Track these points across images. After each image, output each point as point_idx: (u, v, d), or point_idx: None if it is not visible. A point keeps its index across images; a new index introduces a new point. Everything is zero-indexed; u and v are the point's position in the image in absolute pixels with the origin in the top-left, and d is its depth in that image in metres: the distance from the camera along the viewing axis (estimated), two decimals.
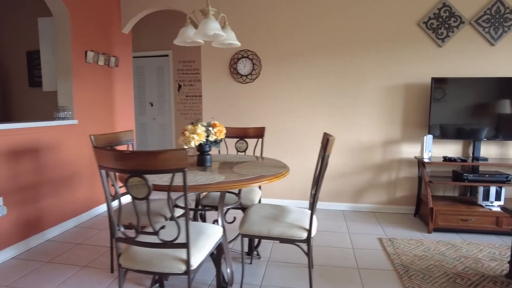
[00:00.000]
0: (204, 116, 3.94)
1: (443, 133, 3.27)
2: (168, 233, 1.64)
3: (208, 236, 1.67)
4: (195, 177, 1.80)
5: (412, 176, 3.56)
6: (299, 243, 1.88)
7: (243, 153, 2.94)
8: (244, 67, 3.75)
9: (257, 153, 3.75)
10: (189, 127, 2.07)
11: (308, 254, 1.89)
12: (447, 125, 3.25)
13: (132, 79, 4.34)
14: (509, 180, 3.02)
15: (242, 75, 3.76)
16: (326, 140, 1.89)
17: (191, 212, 2.42)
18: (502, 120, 3.16)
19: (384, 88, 3.51)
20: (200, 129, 2.05)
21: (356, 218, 3.44)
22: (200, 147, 2.16)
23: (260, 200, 2.69)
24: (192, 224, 1.78)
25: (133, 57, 5.76)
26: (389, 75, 3.48)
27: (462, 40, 3.31)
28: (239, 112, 3.85)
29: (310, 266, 1.91)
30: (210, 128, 2.11)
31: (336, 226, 3.22)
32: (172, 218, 1.79)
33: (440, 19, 3.31)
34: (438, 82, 3.21)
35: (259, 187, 2.85)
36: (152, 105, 5.83)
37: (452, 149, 3.46)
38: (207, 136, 2.09)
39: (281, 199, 3.86)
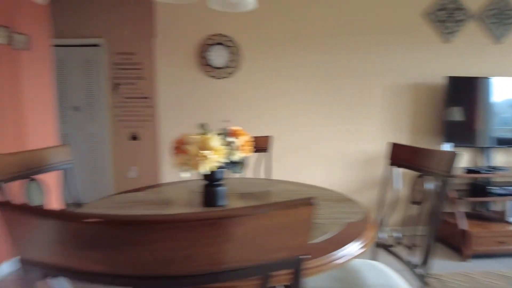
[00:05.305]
0: (161, 124, 2.52)
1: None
2: None
3: None
4: None
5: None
6: None
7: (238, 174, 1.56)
8: (218, 56, 2.62)
9: (261, 173, 2.21)
10: (193, 136, 1.09)
11: None
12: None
13: (52, 69, 2.77)
14: None
15: (215, 68, 2.62)
16: None
17: None
18: None
19: (391, 88, 2.76)
20: (217, 140, 1.08)
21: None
22: (212, 174, 1.14)
23: None
24: None
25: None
26: (394, 73, 2.75)
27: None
28: (210, 115, 2.59)
29: None
30: (232, 139, 1.14)
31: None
32: None
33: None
34: (453, 81, 2.60)
35: None
36: (77, 110, 3.99)
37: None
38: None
39: None
